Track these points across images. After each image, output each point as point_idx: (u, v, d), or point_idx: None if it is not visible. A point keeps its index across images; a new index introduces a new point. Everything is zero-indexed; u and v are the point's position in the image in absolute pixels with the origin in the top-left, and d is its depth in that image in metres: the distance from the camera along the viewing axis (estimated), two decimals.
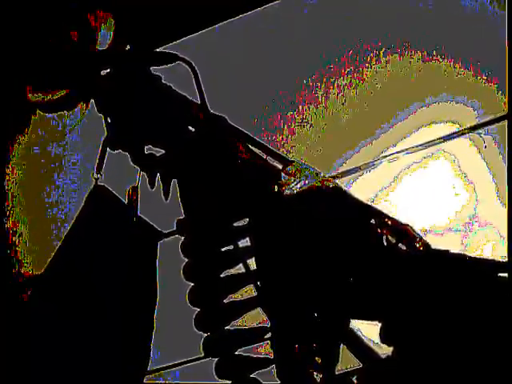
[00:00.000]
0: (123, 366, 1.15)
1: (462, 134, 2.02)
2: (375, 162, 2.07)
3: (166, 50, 1.21)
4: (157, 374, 2.25)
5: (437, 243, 1.07)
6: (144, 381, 1.20)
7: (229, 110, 1.23)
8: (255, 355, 1.12)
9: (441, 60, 1.98)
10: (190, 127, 1.17)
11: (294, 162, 1.16)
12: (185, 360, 2.23)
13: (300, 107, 2.04)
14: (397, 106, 2.04)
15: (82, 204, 1.23)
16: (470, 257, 1.05)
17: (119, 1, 1.94)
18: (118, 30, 1.21)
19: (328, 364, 1.06)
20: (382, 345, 1.02)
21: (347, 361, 1.07)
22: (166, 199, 1.17)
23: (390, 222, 1.07)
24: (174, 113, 1.17)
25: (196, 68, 1.18)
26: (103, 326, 1.15)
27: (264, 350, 1.12)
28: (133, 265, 1.20)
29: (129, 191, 1.23)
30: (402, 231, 1.07)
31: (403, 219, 1.09)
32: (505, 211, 2.00)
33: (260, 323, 1.11)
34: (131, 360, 1.17)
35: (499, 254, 2.03)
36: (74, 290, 1.17)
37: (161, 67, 1.20)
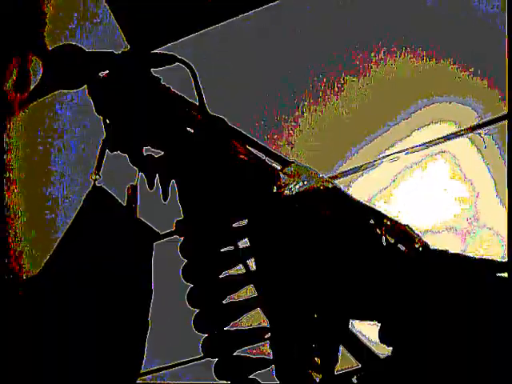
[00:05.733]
0: (116, 365, 1.15)
1: (462, 134, 2.02)
2: (375, 162, 2.07)
3: (165, 52, 1.21)
4: (156, 374, 2.25)
5: (436, 243, 1.07)
6: (141, 381, 1.20)
7: (227, 111, 1.24)
8: (255, 356, 1.12)
9: (441, 60, 1.98)
10: (189, 128, 1.17)
11: (293, 162, 1.16)
12: (185, 360, 2.24)
13: (299, 107, 2.04)
14: (397, 105, 2.04)
15: (80, 205, 1.23)
16: (470, 257, 1.05)
17: (119, 1, 1.94)
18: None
19: (327, 364, 1.06)
20: (382, 345, 1.02)
21: (347, 361, 1.07)
22: (165, 200, 1.17)
23: (389, 223, 1.07)
24: (173, 114, 1.17)
25: (195, 69, 1.18)
26: (97, 326, 1.15)
27: (263, 350, 1.12)
28: (128, 265, 1.20)
29: (127, 190, 1.23)
30: (401, 231, 1.07)
31: (403, 219, 1.09)
32: (505, 211, 2.00)
33: (260, 323, 1.11)
34: (125, 359, 1.17)
35: (499, 253, 2.03)
36: (69, 290, 1.17)
37: (160, 68, 1.20)
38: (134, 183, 1.23)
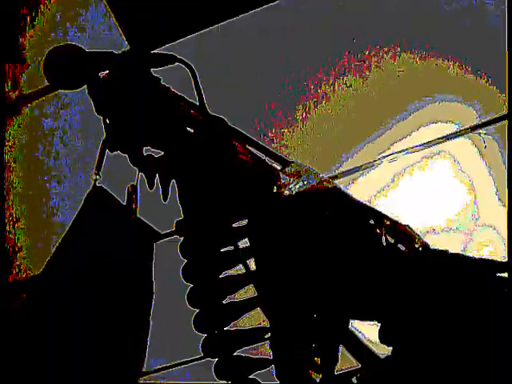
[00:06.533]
0: (118, 365, 1.16)
1: (462, 134, 2.02)
2: (375, 162, 2.07)
3: (165, 52, 1.21)
4: (157, 374, 2.25)
5: (436, 243, 1.07)
6: (141, 381, 1.20)
7: (227, 110, 1.24)
8: (255, 356, 1.12)
9: (440, 60, 1.98)
10: (189, 128, 1.18)
11: (292, 162, 1.16)
12: (185, 360, 2.24)
13: (299, 107, 2.04)
14: (397, 105, 2.04)
15: (81, 205, 1.23)
16: (470, 257, 1.05)
17: (119, 1, 1.95)
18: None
19: (327, 364, 1.06)
20: (382, 345, 1.02)
21: (347, 361, 1.07)
22: (165, 200, 1.17)
23: (388, 223, 1.07)
24: (173, 114, 1.17)
25: (195, 69, 1.18)
26: (99, 326, 1.15)
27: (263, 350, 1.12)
28: (130, 265, 1.20)
29: (128, 189, 1.24)
30: (401, 231, 1.07)
31: (403, 219, 1.09)
32: (505, 211, 2.00)
33: (260, 323, 1.11)
34: (126, 359, 1.17)
35: (499, 254, 2.04)
36: (71, 290, 1.17)
37: (160, 68, 1.20)
38: (134, 183, 1.23)
